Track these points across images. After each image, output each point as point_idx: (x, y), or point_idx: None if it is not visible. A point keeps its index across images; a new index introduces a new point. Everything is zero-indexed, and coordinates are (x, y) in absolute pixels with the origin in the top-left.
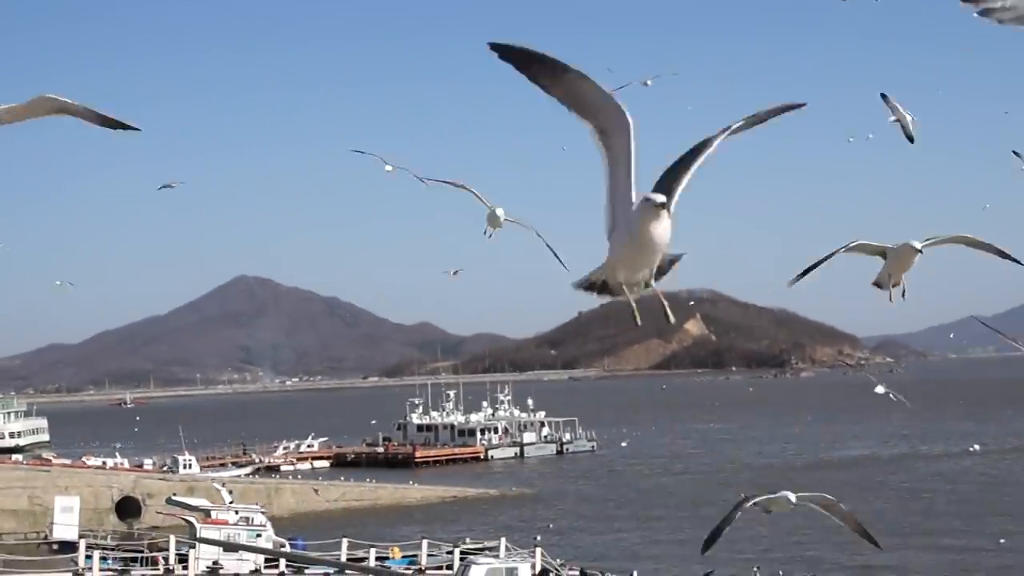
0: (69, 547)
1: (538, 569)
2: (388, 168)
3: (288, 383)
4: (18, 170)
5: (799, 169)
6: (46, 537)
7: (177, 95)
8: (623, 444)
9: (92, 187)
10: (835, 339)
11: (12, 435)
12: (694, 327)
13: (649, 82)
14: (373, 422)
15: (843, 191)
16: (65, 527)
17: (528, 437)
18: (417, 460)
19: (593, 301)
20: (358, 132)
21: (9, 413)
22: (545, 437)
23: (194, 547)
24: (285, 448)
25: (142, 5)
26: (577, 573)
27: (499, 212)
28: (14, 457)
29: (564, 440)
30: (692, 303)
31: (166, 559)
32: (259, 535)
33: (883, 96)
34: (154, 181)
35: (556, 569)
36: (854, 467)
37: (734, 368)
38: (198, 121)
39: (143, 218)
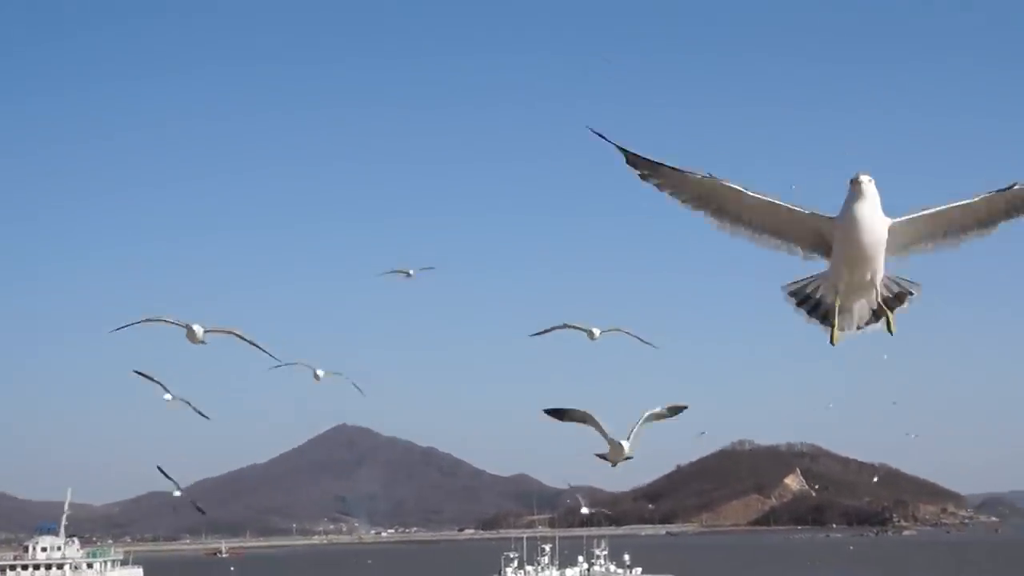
0: None
1: None
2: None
3: (383, 534)
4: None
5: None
6: None
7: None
8: None
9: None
10: (938, 497)
11: None
12: (794, 482)
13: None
14: None
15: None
16: None
17: None
18: None
19: (691, 454)
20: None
21: (105, 562)
22: None
23: None
24: None
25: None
26: None
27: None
28: None
29: None
30: (793, 457)
31: None
32: None
33: None
34: (255, 320)
35: None
36: None
37: (834, 525)
38: (299, 275)
39: (247, 366)
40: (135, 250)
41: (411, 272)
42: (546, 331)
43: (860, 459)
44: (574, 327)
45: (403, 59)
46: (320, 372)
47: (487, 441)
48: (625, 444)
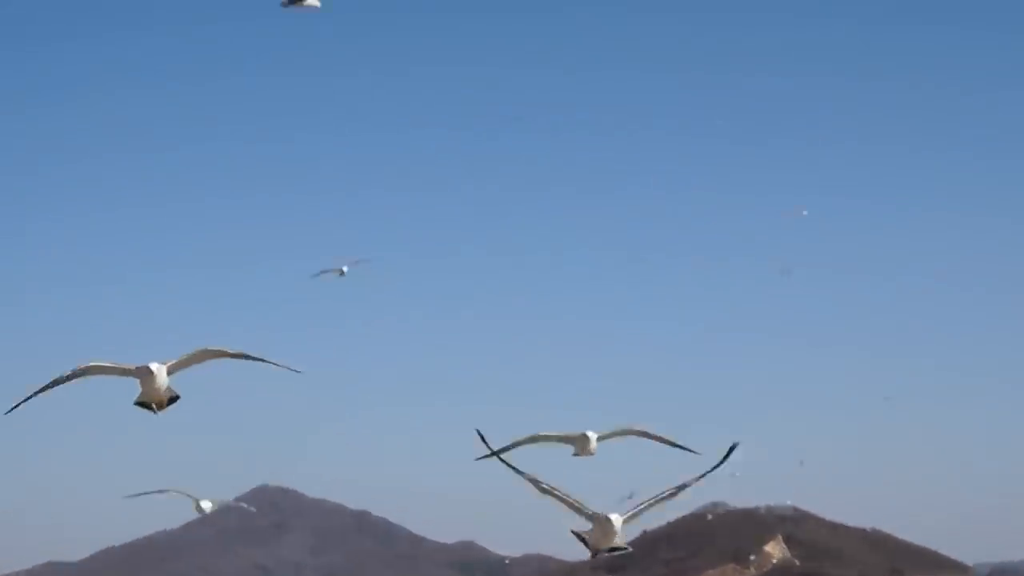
0: None
1: None
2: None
3: None
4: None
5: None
6: None
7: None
8: None
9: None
10: (939, 566)
11: None
12: (775, 550)
13: None
14: None
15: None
16: None
17: None
18: None
19: (658, 517)
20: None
21: None
22: None
23: None
24: None
25: None
26: None
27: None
28: None
29: None
30: (772, 522)
31: None
32: None
33: None
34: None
35: None
36: None
37: None
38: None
39: (152, 417)
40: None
41: (344, 269)
42: (506, 450)
43: (848, 523)
44: (554, 438)
45: None
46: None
47: (428, 504)
48: (615, 520)
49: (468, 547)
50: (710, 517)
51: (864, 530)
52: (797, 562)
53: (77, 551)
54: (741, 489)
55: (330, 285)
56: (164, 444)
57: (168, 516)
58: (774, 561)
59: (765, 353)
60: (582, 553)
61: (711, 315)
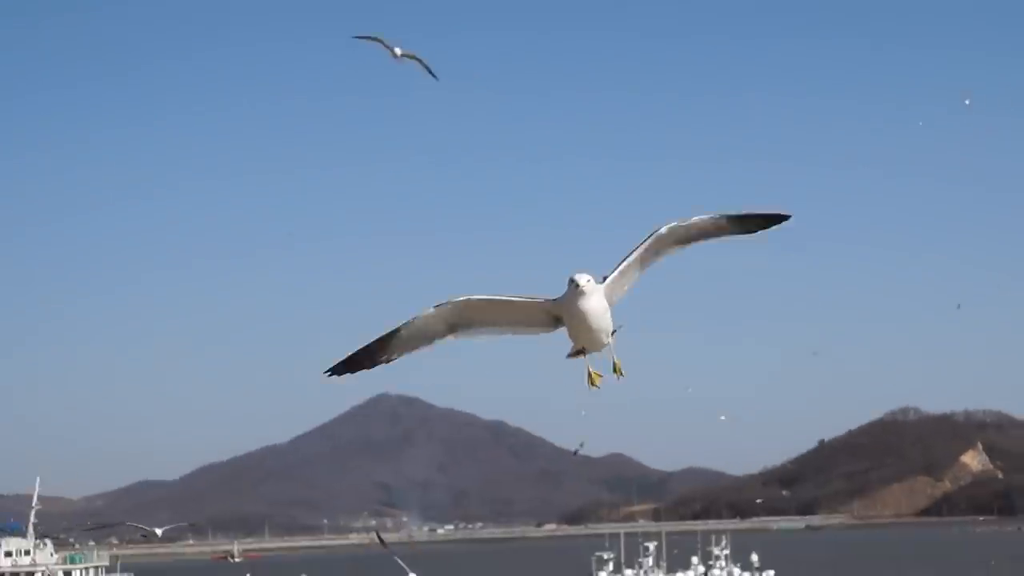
0: None
1: None
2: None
3: (441, 531)
4: (98, 270)
5: None
6: None
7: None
8: None
9: (193, 284)
10: None
11: None
12: (974, 461)
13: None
14: None
15: None
16: None
17: None
18: None
19: (838, 425)
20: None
21: (87, 569)
22: None
23: None
24: None
25: None
26: None
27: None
28: None
29: None
30: (974, 430)
31: None
32: None
33: None
34: (268, 272)
35: None
36: None
37: None
38: (334, 197)
39: (259, 322)
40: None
41: (397, 52)
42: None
43: None
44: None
45: None
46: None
47: (571, 413)
48: (583, 280)
49: (619, 461)
50: (899, 423)
51: None
52: (1000, 474)
53: (174, 469)
54: (936, 391)
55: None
56: (280, 340)
57: (276, 430)
58: (972, 473)
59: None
60: (750, 466)
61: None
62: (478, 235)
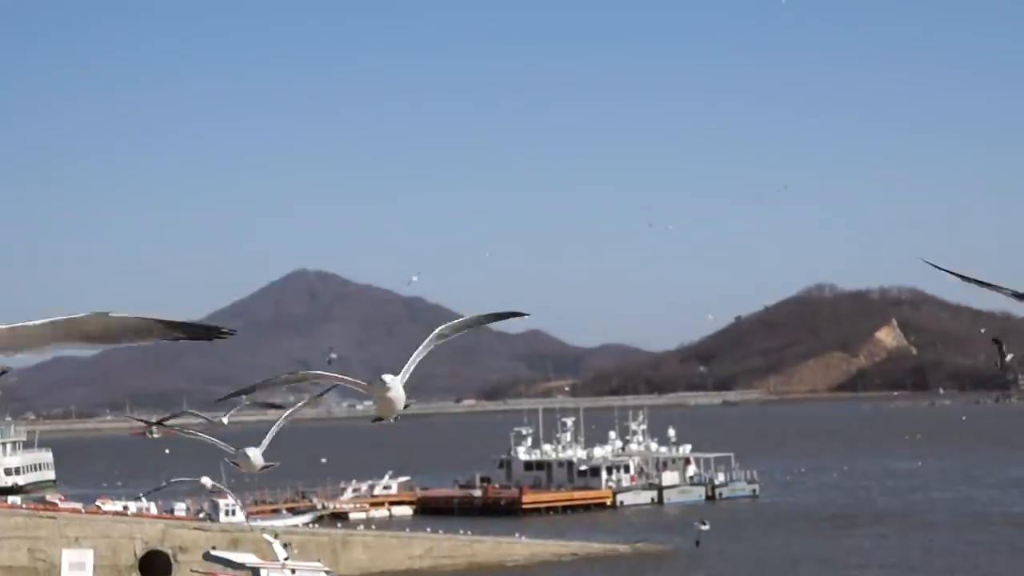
0: None
1: None
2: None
3: (359, 407)
4: (25, 145)
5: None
6: None
7: (217, 62)
8: (794, 488)
9: (114, 165)
10: None
11: (9, 472)
12: (889, 336)
13: None
14: (461, 463)
15: None
16: None
17: (669, 478)
18: (525, 506)
19: (754, 302)
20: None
21: (4, 444)
22: (691, 478)
23: None
24: (355, 491)
25: None
26: None
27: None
28: (11, 500)
29: (716, 482)
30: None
31: None
32: None
33: None
34: (189, 158)
35: None
36: None
37: (942, 390)
38: (238, 90)
39: (177, 200)
40: None
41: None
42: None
43: (974, 306)
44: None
45: None
46: None
47: (489, 289)
48: (388, 379)
49: (536, 337)
50: (814, 300)
51: (992, 314)
52: (914, 350)
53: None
54: (851, 268)
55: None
56: (197, 217)
57: (192, 306)
58: (887, 349)
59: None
60: (668, 343)
61: None
62: None
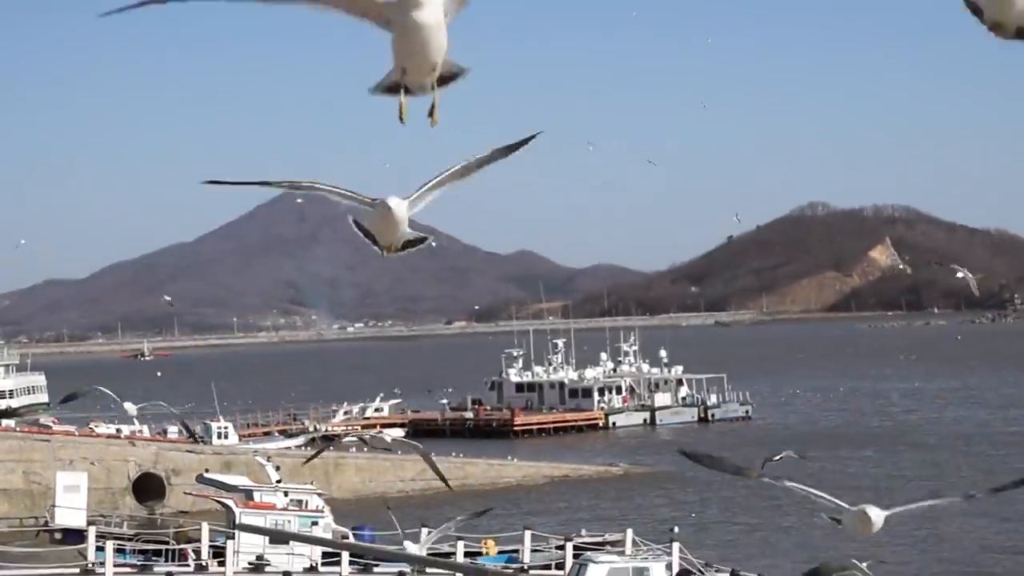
0: (75, 536)
1: (675, 570)
2: None
3: (350, 329)
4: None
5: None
6: (46, 523)
7: None
8: (787, 409)
9: (100, 80)
10: None
11: (2, 395)
12: (882, 256)
13: None
14: (452, 385)
15: None
16: (70, 511)
17: (661, 399)
18: (516, 428)
19: (746, 221)
20: None
21: None
22: (683, 399)
23: (232, 537)
24: (347, 413)
25: None
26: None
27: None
28: (5, 423)
29: (708, 403)
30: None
31: (197, 552)
32: (315, 523)
33: None
34: (169, 72)
35: (699, 570)
36: None
37: (936, 309)
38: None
39: (162, 119)
40: None
41: None
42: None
43: (969, 224)
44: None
45: None
46: None
47: (480, 210)
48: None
49: (527, 258)
50: (807, 218)
51: (988, 232)
52: (908, 269)
53: (81, 268)
54: (844, 186)
55: None
56: (183, 137)
57: (182, 228)
58: (881, 268)
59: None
60: (659, 263)
61: None
62: None
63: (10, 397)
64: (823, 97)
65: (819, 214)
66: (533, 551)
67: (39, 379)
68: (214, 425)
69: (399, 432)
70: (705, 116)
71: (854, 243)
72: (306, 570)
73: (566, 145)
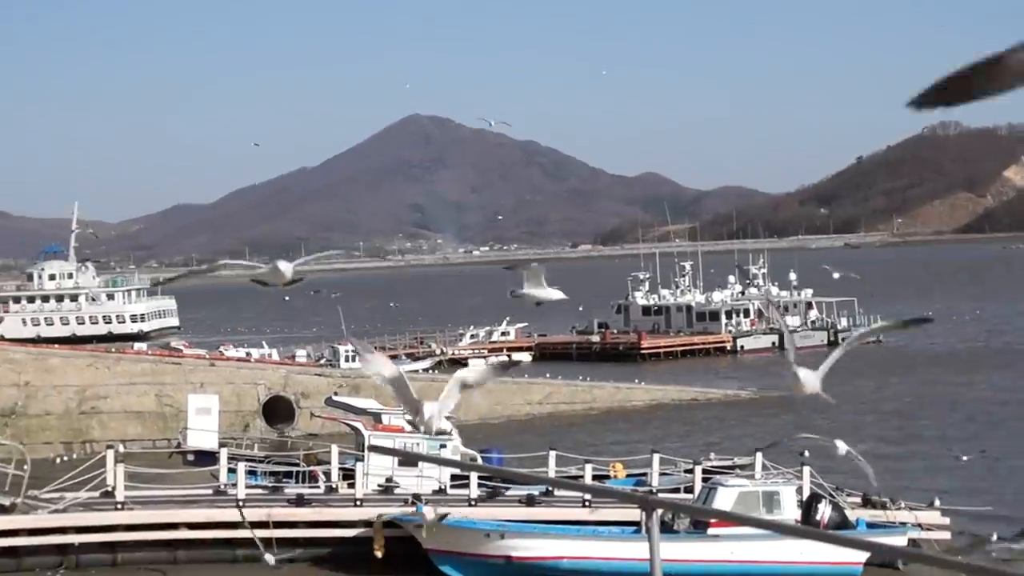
0: (206, 458)
1: (806, 494)
2: None
3: (476, 253)
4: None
5: None
6: (178, 445)
7: None
8: (920, 333)
9: (223, 13)
10: None
11: (134, 319)
12: (1017, 175)
13: None
14: (581, 309)
15: None
16: (201, 433)
17: (791, 322)
18: (643, 352)
19: (876, 141)
20: None
21: (129, 292)
22: (813, 322)
23: (361, 459)
24: (473, 336)
25: None
26: (858, 500)
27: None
28: (137, 346)
29: (839, 327)
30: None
31: (327, 474)
32: (443, 445)
33: None
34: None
35: (830, 495)
36: None
37: None
38: None
39: (287, 46)
40: None
41: None
42: None
43: None
44: None
45: None
46: None
47: (604, 132)
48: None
49: (653, 180)
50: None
51: None
52: None
53: (209, 192)
54: (978, 105)
55: None
56: (309, 64)
57: (308, 152)
58: (1016, 188)
59: None
60: (787, 184)
61: None
62: None
63: (142, 321)
64: (956, 7)
65: (951, 133)
66: (661, 475)
67: (170, 303)
68: (342, 348)
69: (526, 356)
70: (834, 35)
71: (988, 163)
72: (435, 492)
73: (692, 63)
